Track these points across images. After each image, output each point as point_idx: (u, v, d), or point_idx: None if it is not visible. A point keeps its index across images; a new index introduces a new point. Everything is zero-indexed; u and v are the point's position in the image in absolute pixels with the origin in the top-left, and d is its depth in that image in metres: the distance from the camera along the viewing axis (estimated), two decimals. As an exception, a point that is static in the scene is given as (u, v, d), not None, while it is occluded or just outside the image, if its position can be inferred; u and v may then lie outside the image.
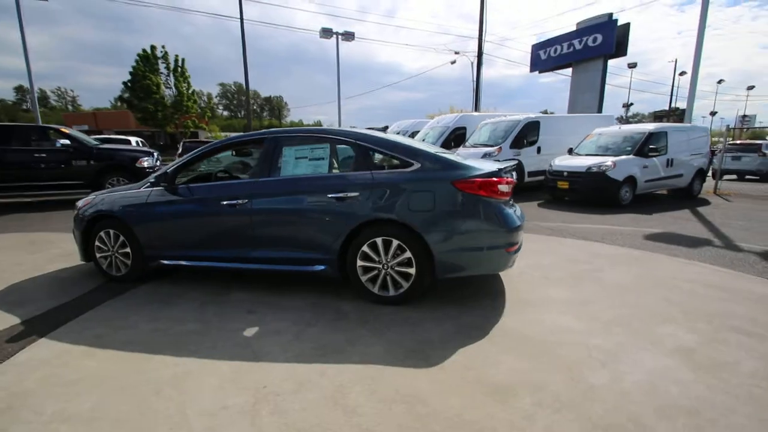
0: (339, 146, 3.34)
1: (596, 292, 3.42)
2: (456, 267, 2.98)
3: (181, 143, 14.81)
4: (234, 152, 4.75)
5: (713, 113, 48.83)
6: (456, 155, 3.31)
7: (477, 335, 2.64)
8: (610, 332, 2.68)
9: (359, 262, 3.11)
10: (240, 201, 3.28)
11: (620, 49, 22.11)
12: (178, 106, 32.37)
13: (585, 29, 22.85)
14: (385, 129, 20.09)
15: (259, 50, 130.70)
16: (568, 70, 25.12)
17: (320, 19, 70.01)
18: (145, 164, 9.86)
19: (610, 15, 22.56)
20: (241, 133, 3.99)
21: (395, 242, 2.99)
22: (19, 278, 3.95)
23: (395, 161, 3.12)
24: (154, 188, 3.61)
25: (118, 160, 9.62)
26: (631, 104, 35.29)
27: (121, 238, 3.70)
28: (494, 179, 2.91)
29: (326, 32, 19.57)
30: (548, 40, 25.33)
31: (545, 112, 22.88)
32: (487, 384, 2.08)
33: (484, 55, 24.43)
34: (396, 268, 3.05)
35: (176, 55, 32.09)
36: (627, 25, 21.98)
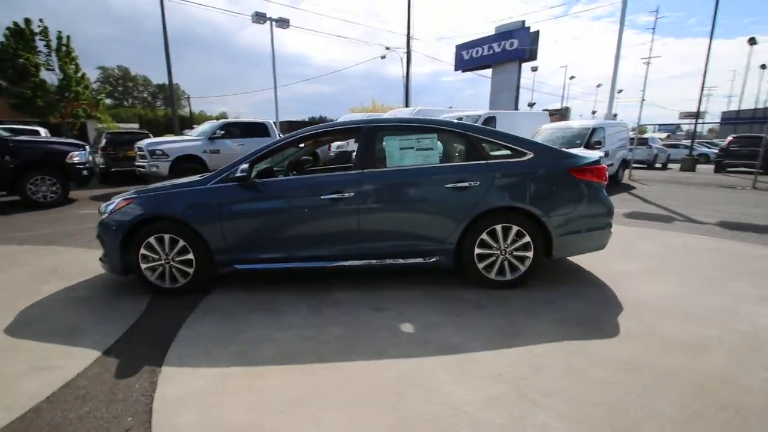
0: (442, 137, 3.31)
1: (652, 263, 3.96)
2: (570, 247, 3.22)
3: (104, 135, 12.60)
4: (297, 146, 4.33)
5: (594, 112, 57.53)
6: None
7: (616, 305, 2.91)
8: (708, 293, 3.16)
9: (477, 250, 3.15)
10: (346, 194, 3.06)
11: (532, 54, 24.70)
12: (64, 91, 27.29)
13: (503, 33, 24.96)
14: (310, 122, 19.51)
15: (147, 31, 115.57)
16: (487, 71, 27.25)
17: (219, 2, 64.43)
18: (76, 159, 8.31)
19: (523, 22, 25.02)
20: (335, 121, 3.62)
21: (514, 228, 3.11)
22: (24, 303, 3.14)
23: (507, 151, 3.22)
24: (227, 183, 3.16)
25: (43, 155, 7.91)
26: (534, 104, 39.89)
27: (181, 243, 3.17)
28: (601, 166, 3.20)
29: (260, 17, 18.24)
30: (471, 41, 27.09)
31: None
32: (678, 343, 2.35)
33: (413, 52, 25.24)
34: (514, 253, 3.16)
35: (59, 32, 26.91)
36: (537, 33, 24.63)
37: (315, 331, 2.61)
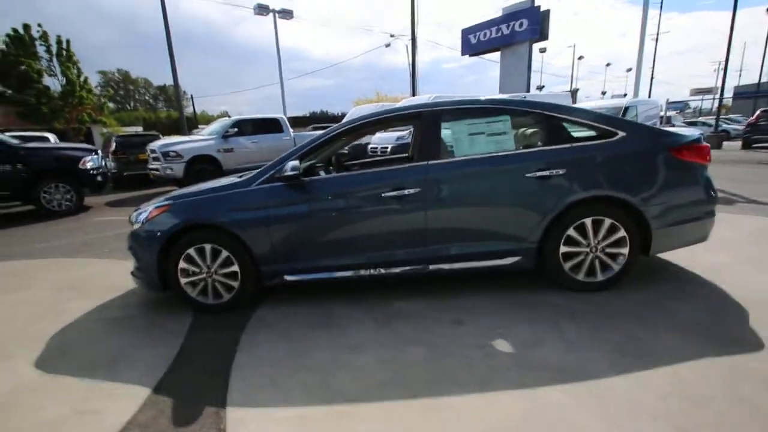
0: (517, 119, 2.88)
1: (743, 251, 3.52)
2: (671, 241, 2.79)
3: (113, 139, 12.26)
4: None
5: (603, 92, 56.19)
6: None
7: (734, 306, 2.51)
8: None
9: (563, 248, 2.74)
10: (410, 191, 2.66)
11: (543, 35, 23.83)
12: (68, 96, 27.11)
13: (511, 14, 24.11)
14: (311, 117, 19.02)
15: (141, 34, 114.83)
16: (493, 55, 26.44)
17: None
18: (89, 165, 7.98)
19: (532, 1, 24.13)
20: (391, 106, 3.15)
21: (607, 221, 2.68)
22: (51, 328, 2.80)
23: (593, 132, 2.78)
24: (273, 184, 2.77)
25: (55, 162, 7.58)
26: (543, 86, 38.91)
27: (224, 253, 2.79)
28: (704, 144, 2.76)
29: (262, 9, 17.72)
30: (477, 24, 26.25)
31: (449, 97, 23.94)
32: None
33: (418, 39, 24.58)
34: (606, 251, 2.75)
35: (58, 36, 26.59)
36: (547, 12, 23.74)
37: (393, 353, 2.23)
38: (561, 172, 2.63)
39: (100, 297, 3.31)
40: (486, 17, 25.05)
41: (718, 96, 23.25)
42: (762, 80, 34.78)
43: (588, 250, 2.75)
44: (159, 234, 2.79)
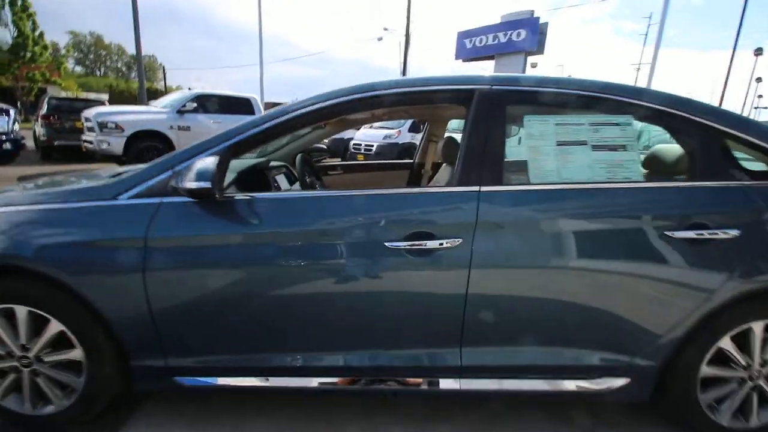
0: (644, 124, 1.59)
1: None
2: None
3: (46, 99, 10.17)
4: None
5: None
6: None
7: None
8: None
9: (704, 369, 1.49)
10: (443, 242, 1.33)
11: (539, 47, 23.18)
12: (18, 51, 24.22)
13: (509, 23, 23.34)
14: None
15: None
16: (485, 63, 25.71)
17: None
18: (-8, 128, 6.19)
19: (532, 12, 23.43)
20: (403, 78, 1.60)
21: (789, 327, 1.45)
22: None
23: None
24: (164, 199, 1.37)
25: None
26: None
27: (54, 325, 1.38)
28: None
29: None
30: (474, 29, 25.37)
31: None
32: None
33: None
34: (774, 377, 1.51)
35: (12, -19, 23.75)
36: (546, 24, 23.10)
37: None
38: (731, 234, 1.37)
39: None
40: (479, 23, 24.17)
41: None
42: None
43: (746, 374, 1.51)
44: None
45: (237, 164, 1.84)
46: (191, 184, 1.24)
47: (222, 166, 1.31)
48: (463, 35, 26.38)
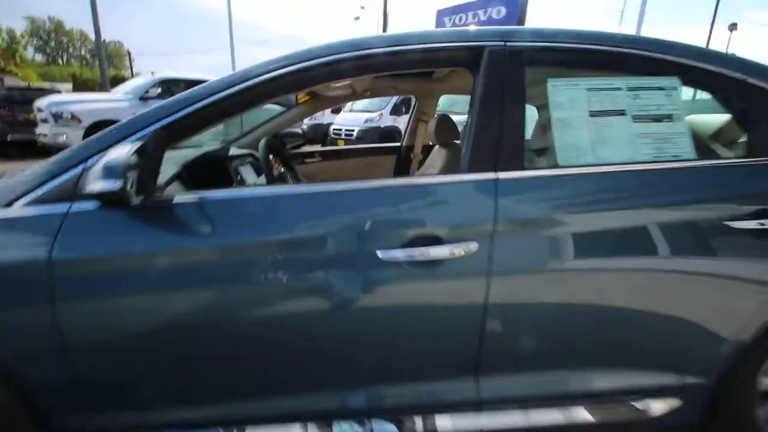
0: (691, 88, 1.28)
1: None
2: None
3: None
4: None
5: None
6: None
7: None
8: None
9: (764, 382, 1.25)
10: (453, 249, 1.01)
11: (520, 25, 22.84)
12: (-36, 37, 22.39)
13: (490, 0, 22.91)
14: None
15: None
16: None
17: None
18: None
19: (512, -12, 22.98)
20: (389, 35, 1.26)
21: None
22: None
23: None
24: (73, 204, 1.00)
25: None
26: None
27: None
28: None
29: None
30: (454, 7, 24.75)
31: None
32: None
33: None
34: None
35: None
36: (525, 2, 22.67)
37: None
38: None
39: None
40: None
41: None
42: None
43: (810, 386, 1.27)
44: None
45: (185, 154, 1.47)
46: (95, 185, 0.88)
47: (148, 158, 0.96)
48: (442, 14, 25.77)
